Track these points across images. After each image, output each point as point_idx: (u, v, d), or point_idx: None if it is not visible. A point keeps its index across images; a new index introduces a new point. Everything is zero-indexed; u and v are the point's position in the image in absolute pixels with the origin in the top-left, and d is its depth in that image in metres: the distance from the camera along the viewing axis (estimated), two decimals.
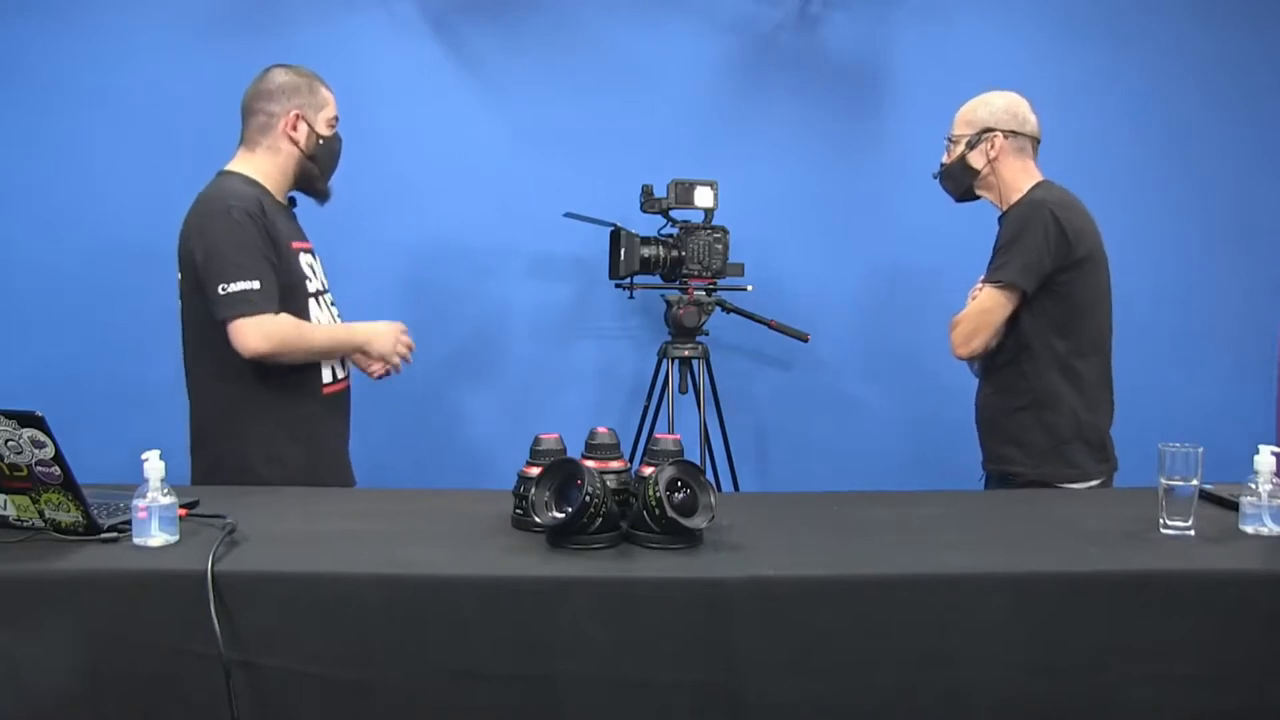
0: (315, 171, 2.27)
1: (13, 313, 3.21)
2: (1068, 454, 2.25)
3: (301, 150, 2.24)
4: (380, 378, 2.33)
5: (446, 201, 3.32)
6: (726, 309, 3.12)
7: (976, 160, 2.38)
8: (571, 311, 3.41)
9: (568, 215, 3.01)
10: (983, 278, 2.31)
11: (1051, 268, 2.22)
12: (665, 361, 3.06)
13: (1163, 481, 1.60)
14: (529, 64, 3.33)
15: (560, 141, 3.32)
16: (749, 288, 3.11)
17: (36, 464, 1.45)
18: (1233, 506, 1.68)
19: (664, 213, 3.03)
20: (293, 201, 2.35)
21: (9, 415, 1.42)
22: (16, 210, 3.20)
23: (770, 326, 3.15)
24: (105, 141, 3.20)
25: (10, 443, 1.44)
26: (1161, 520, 1.60)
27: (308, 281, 2.22)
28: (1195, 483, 1.59)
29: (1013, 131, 2.35)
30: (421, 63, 3.30)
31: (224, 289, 2.06)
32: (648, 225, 3.07)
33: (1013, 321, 2.27)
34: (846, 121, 3.40)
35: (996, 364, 2.33)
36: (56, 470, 1.45)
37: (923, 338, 3.41)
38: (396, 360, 2.30)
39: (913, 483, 3.28)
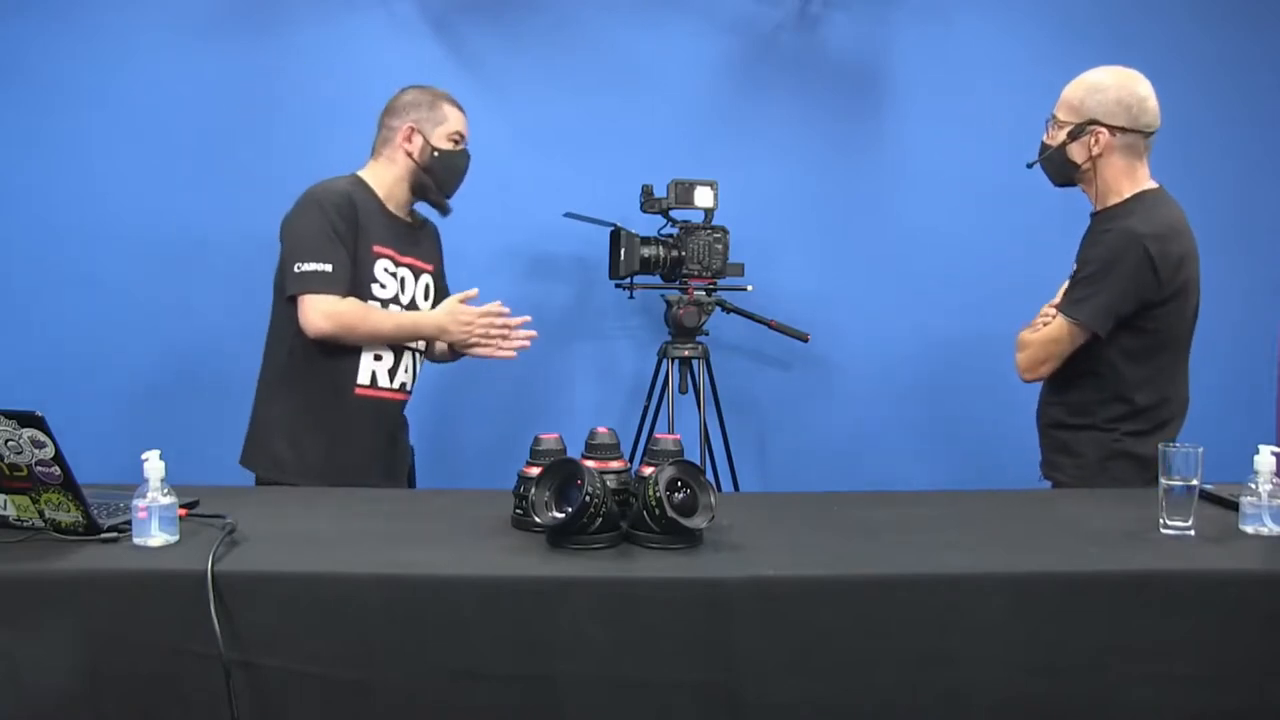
0: (430, 183, 2.37)
1: (12, 312, 3.20)
2: (1112, 469, 2.16)
3: (416, 162, 2.35)
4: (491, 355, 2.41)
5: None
6: (726, 309, 3.12)
7: (1077, 153, 2.17)
8: (571, 311, 3.41)
9: (568, 215, 3.01)
10: (1057, 303, 2.18)
11: (1133, 309, 2.09)
12: (665, 361, 3.06)
13: (1163, 481, 1.60)
14: (529, 64, 3.33)
15: (560, 141, 3.32)
16: (749, 288, 3.11)
17: (36, 464, 1.45)
18: (1233, 506, 1.68)
19: (664, 213, 3.03)
20: (415, 215, 2.44)
21: (9, 415, 1.42)
22: (16, 210, 3.20)
23: (770, 326, 3.15)
24: (105, 141, 3.19)
25: (10, 443, 1.44)
26: (1161, 520, 1.60)
27: (376, 286, 2.28)
28: (1195, 483, 1.59)
29: (1121, 128, 2.13)
30: (421, 63, 3.29)
31: (299, 267, 2.19)
32: (648, 225, 3.07)
33: (1087, 346, 2.14)
34: (846, 121, 3.40)
35: (1062, 377, 2.21)
36: (56, 470, 1.45)
37: (923, 337, 3.41)
38: (476, 343, 2.36)
39: (914, 482, 3.29)
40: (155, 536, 1.48)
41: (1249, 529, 1.61)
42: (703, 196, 3.00)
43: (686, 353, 3.04)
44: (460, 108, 2.42)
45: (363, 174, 2.37)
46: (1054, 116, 2.22)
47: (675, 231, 3.04)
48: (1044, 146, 2.24)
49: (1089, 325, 2.11)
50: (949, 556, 1.50)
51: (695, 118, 3.35)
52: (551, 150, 3.32)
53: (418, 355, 2.40)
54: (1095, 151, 2.14)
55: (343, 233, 2.22)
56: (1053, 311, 2.20)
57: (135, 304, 3.20)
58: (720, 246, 3.01)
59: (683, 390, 3.05)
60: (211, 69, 3.19)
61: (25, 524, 1.53)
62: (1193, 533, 1.59)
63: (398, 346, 2.33)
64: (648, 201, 3.01)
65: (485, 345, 2.37)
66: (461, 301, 2.36)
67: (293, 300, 2.20)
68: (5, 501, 1.53)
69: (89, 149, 3.19)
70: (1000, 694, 1.40)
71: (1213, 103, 3.40)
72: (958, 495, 1.99)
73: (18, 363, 3.15)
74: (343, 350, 2.25)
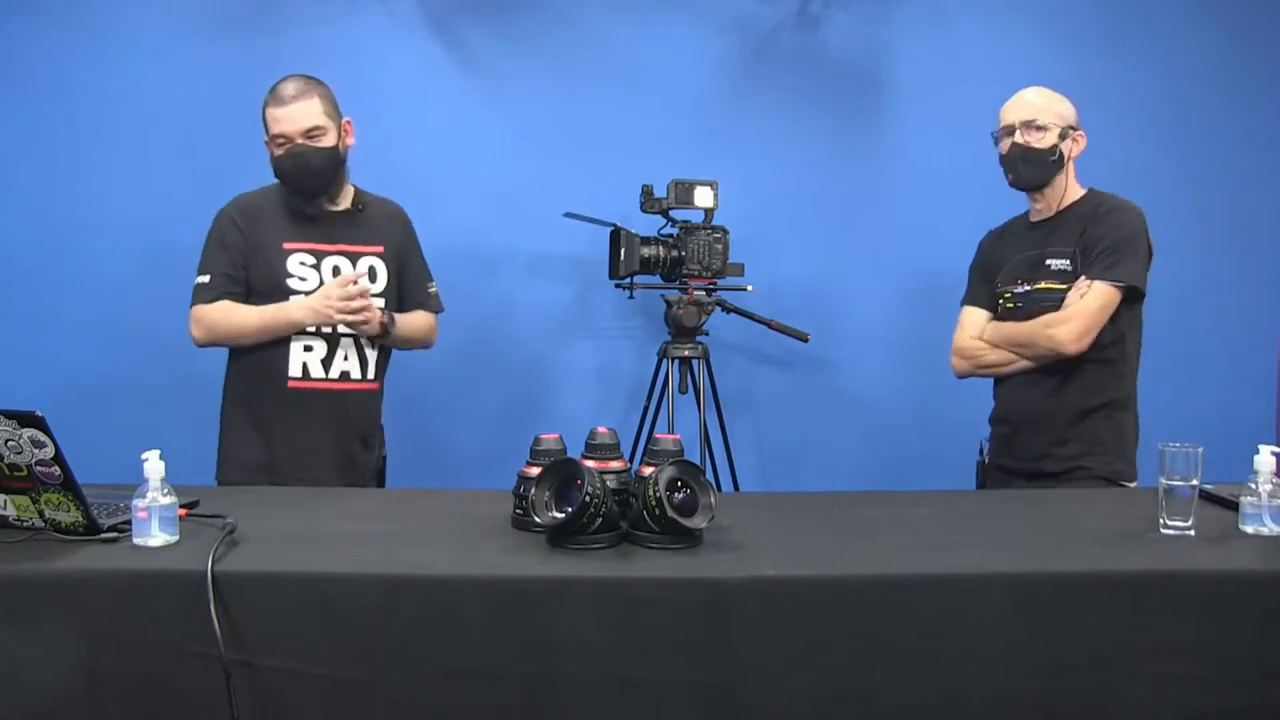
0: (288, 188, 2.34)
1: (13, 312, 3.20)
2: (1130, 453, 2.27)
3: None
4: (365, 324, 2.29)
5: (446, 201, 3.32)
6: (726, 309, 3.12)
7: (1065, 155, 2.31)
8: (571, 311, 3.41)
9: (568, 215, 3.01)
10: (1088, 277, 2.23)
11: (1145, 274, 2.26)
12: (665, 361, 3.05)
13: (1163, 481, 1.60)
14: (529, 64, 3.33)
15: (560, 141, 3.32)
16: (749, 288, 3.11)
17: (36, 464, 1.45)
18: (1233, 506, 1.68)
19: (664, 213, 3.03)
20: (356, 201, 2.38)
21: (9, 415, 1.42)
22: (16, 210, 3.20)
23: (770, 326, 3.15)
24: (105, 141, 3.20)
25: (10, 443, 1.44)
26: (1161, 520, 1.61)
27: (294, 280, 2.28)
28: (1195, 483, 1.59)
29: (1083, 132, 2.34)
30: (421, 63, 3.30)
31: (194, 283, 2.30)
32: (648, 225, 3.07)
33: (1110, 322, 2.24)
34: (846, 121, 3.40)
35: (1079, 360, 2.24)
36: (56, 470, 1.45)
37: (923, 337, 3.40)
38: (340, 319, 2.24)
39: (912, 483, 3.29)
40: (155, 536, 1.48)
41: (1249, 529, 1.61)
42: (703, 196, 3.00)
43: (686, 353, 3.04)
44: (282, 101, 2.25)
45: None
46: (1033, 124, 2.30)
47: (675, 231, 3.03)
48: (1033, 150, 2.29)
49: (1133, 283, 2.22)
50: (949, 556, 1.50)
51: (695, 118, 3.35)
52: (552, 150, 3.32)
53: (363, 342, 2.31)
54: (1075, 153, 2.33)
55: (231, 240, 2.27)
56: (1086, 284, 2.23)
57: (135, 304, 3.20)
58: (720, 246, 3.01)
59: (683, 390, 3.05)
60: (211, 69, 3.19)
61: (25, 524, 1.53)
62: (1193, 533, 1.59)
63: (330, 335, 2.28)
64: (648, 201, 3.01)
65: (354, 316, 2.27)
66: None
67: None
68: (5, 501, 1.53)
69: (89, 149, 3.20)
70: (1000, 694, 1.40)
71: (1213, 103, 3.40)
72: (958, 495, 2.00)
73: (18, 363, 3.15)
74: (271, 346, 2.27)
